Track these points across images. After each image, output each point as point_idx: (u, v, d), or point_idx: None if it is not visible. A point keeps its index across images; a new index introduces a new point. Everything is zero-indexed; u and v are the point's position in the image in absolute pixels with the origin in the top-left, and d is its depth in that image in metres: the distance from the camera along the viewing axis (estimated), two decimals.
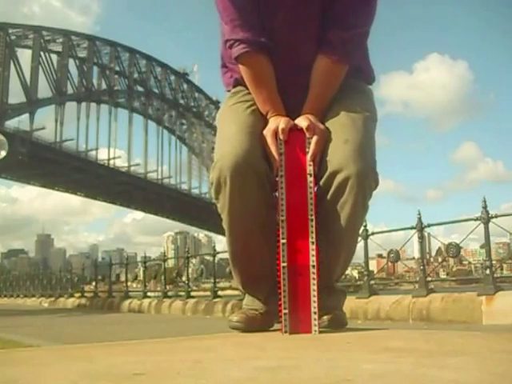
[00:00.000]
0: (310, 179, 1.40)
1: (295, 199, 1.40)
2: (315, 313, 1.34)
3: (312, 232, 1.37)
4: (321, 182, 1.42)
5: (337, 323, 1.47)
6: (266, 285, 1.52)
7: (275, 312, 1.40)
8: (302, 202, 1.39)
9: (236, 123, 1.47)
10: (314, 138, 1.41)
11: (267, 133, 1.43)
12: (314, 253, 1.36)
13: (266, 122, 1.47)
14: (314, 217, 1.38)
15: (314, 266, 1.36)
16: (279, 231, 1.38)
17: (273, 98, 1.49)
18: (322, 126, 1.44)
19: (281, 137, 1.42)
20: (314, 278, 1.35)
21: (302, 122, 1.44)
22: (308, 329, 1.33)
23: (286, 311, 1.34)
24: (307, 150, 1.42)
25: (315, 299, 1.34)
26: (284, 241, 1.37)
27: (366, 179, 1.40)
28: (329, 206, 1.42)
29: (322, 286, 1.38)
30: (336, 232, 1.45)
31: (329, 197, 1.41)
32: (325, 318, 1.41)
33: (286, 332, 1.34)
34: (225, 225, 1.47)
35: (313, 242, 1.37)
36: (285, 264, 1.36)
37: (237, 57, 1.47)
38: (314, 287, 1.35)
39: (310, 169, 1.41)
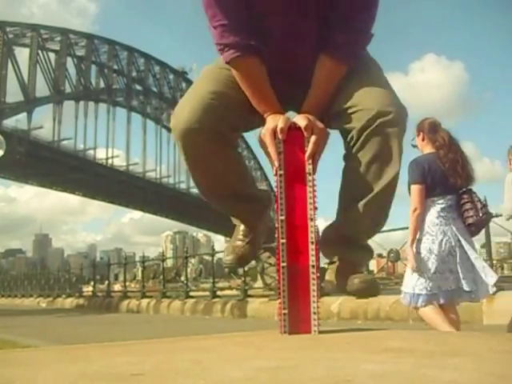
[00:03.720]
0: (309, 178, 1.40)
1: (295, 198, 1.39)
2: (315, 313, 1.33)
3: (312, 232, 1.36)
4: (353, 130, 1.42)
5: (369, 290, 1.44)
6: (246, 205, 1.60)
7: (259, 239, 1.58)
8: (301, 202, 1.38)
9: (213, 86, 1.48)
10: (313, 138, 1.41)
11: (266, 132, 1.43)
12: (313, 253, 1.36)
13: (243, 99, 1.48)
14: (313, 216, 1.37)
15: (313, 266, 1.35)
16: (278, 231, 1.37)
17: (268, 98, 1.49)
18: (320, 125, 1.43)
19: (280, 136, 1.42)
20: (313, 278, 1.35)
21: (300, 120, 1.43)
22: (308, 329, 1.33)
23: (286, 311, 1.34)
24: (306, 148, 1.42)
25: (315, 299, 1.34)
26: (283, 240, 1.36)
27: (402, 121, 1.42)
28: (362, 152, 1.42)
29: (346, 238, 1.43)
30: (369, 180, 1.44)
31: (362, 142, 1.42)
32: (355, 280, 1.38)
33: (285, 332, 1.33)
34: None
35: (312, 242, 1.36)
36: (284, 264, 1.35)
37: (228, 61, 1.47)
38: (313, 287, 1.34)
39: (309, 168, 1.41)
